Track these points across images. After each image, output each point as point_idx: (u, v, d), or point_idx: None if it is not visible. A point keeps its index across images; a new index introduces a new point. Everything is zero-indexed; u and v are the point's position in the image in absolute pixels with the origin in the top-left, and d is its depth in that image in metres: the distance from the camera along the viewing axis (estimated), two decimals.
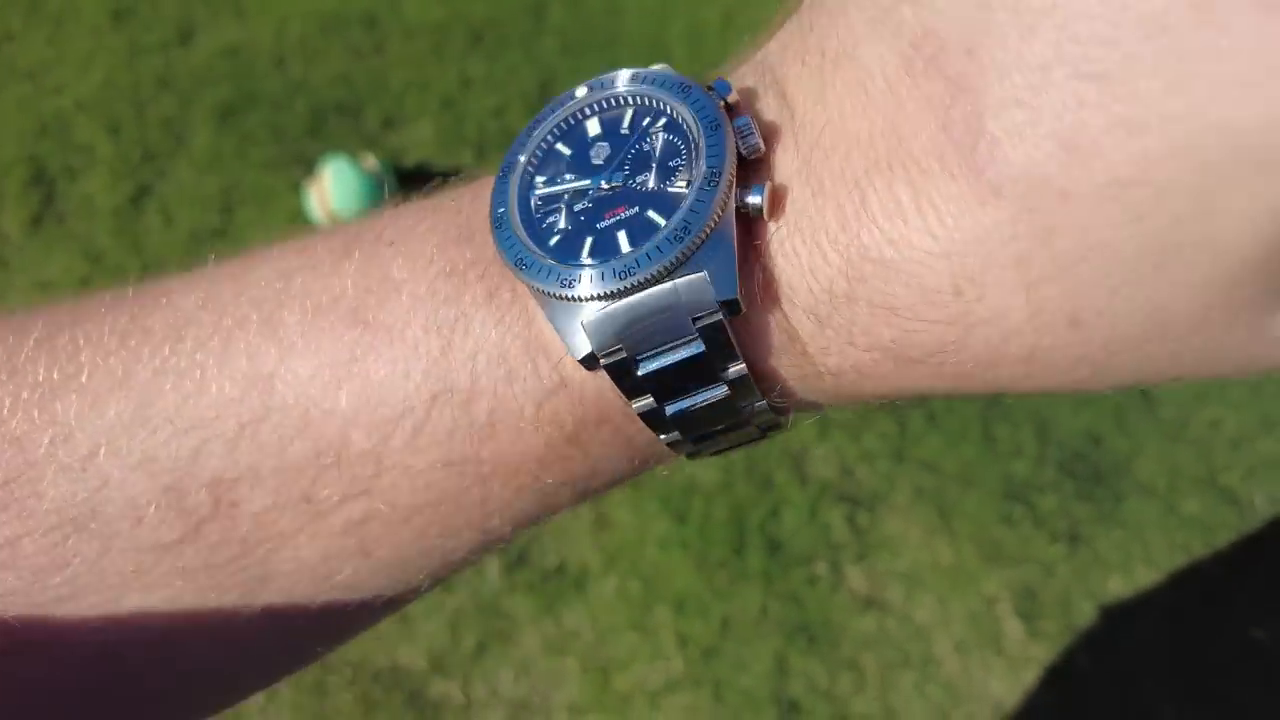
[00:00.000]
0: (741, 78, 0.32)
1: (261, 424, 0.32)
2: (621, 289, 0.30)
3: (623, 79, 0.33)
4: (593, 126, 0.33)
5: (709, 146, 0.30)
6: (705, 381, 0.31)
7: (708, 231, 0.29)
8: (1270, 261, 0.24)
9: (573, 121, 0.34)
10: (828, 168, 0.28)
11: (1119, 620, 1.67)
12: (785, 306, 0.30)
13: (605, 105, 0.34)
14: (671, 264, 0.29)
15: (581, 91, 0.34)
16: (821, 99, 0.29)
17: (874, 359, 0.29)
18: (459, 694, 1.59)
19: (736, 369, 0.31)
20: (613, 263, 0.30)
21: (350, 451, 0.32)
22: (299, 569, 0.34)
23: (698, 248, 0.29)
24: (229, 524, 0.33)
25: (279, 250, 0.35)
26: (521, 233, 0.32)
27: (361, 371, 0.32)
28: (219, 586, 0.34)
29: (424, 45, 2.39)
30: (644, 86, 0.33)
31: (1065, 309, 0.26)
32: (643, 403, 0.31)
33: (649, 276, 0.29)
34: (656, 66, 0.34)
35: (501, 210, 0.32)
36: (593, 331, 0.30)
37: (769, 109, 0.30)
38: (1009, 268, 0.26)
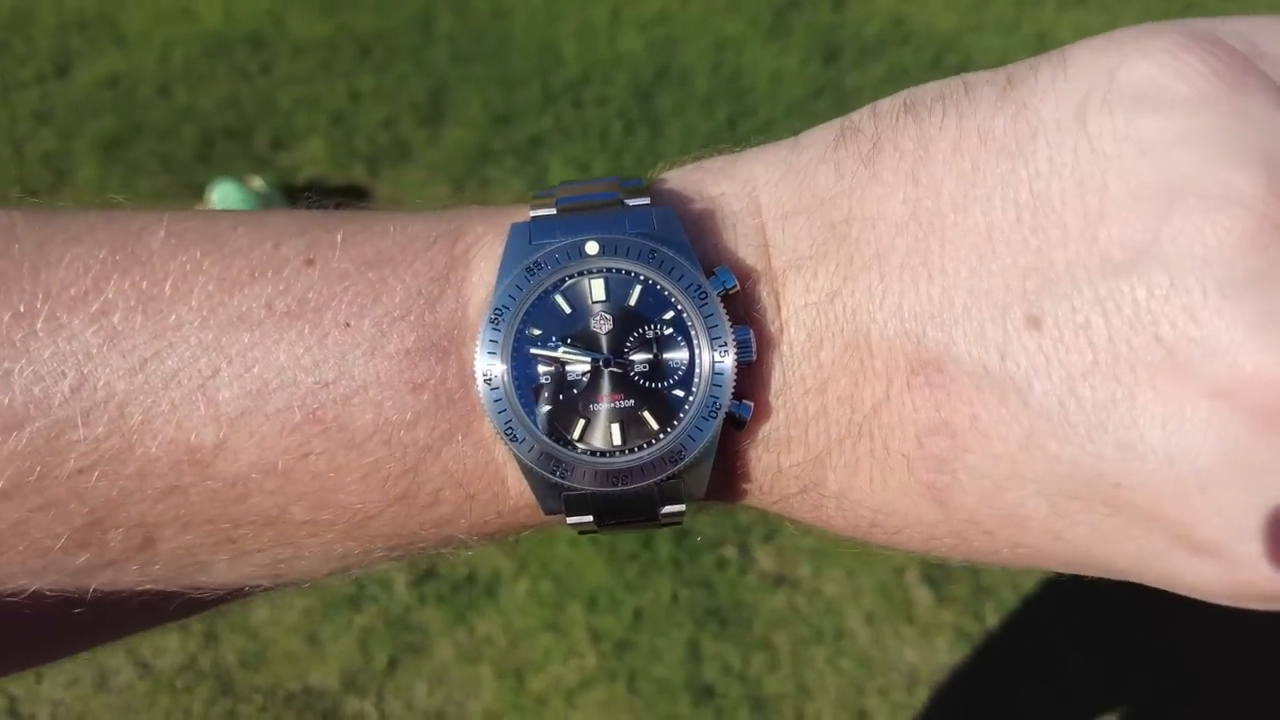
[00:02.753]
0: (745, 240, 0.33)
1: (193, 488, 0.31)
2: (608, 489, 0.32)
3: (635, 250, 0.33)
4: (597, 289, 0.33)
5: (714, 374, 0.32)
6: (646, 519, 0.34)
7: (699, 454, 0.32)
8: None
9: (577, 276, 0.33)
10: (805, 409, 0.32)
11: (1025, 579, 1.69)
12: (738, 485, 0.34)
13: (614, 271, 0.33)
14: (661, 479, 0.32)
15: (592, 248, 0.33)
16: (817, 340, 0.32)
17: (796, 516, 0.35)
18: (373, 711, 1.57)
19: (675, 508, 0.34)
20: (605, 463, 0.32)
21: (288, 519, 0.32)
22: (208, 581, 0.34)
23: (687, 469, 0.32)
24: (144, 557, 0.32)
25: (197, 264, 0.32)
26: (513, 399, 0.32)
27: (312, 469, 0.31)
28: (121, 585, 0.33)
29: (312, 62, 2.36)
30: (656, 270, 0.33)
31: (956, 552, 0.34)
32: (582, 520, 0.34)
33: (636, 484, 0.32)
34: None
35: (491, 365, 0.32)
36: (569, 504, 0.33)
37: (765, 312, 0.32)
38: (921, 537, 0.33)
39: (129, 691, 1.59)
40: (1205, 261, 0.27)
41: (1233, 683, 1.60)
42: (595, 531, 0.34)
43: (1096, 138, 0.29)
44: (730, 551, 1.69)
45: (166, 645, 1.63)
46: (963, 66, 2.43)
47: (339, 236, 0.33)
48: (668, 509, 0.33)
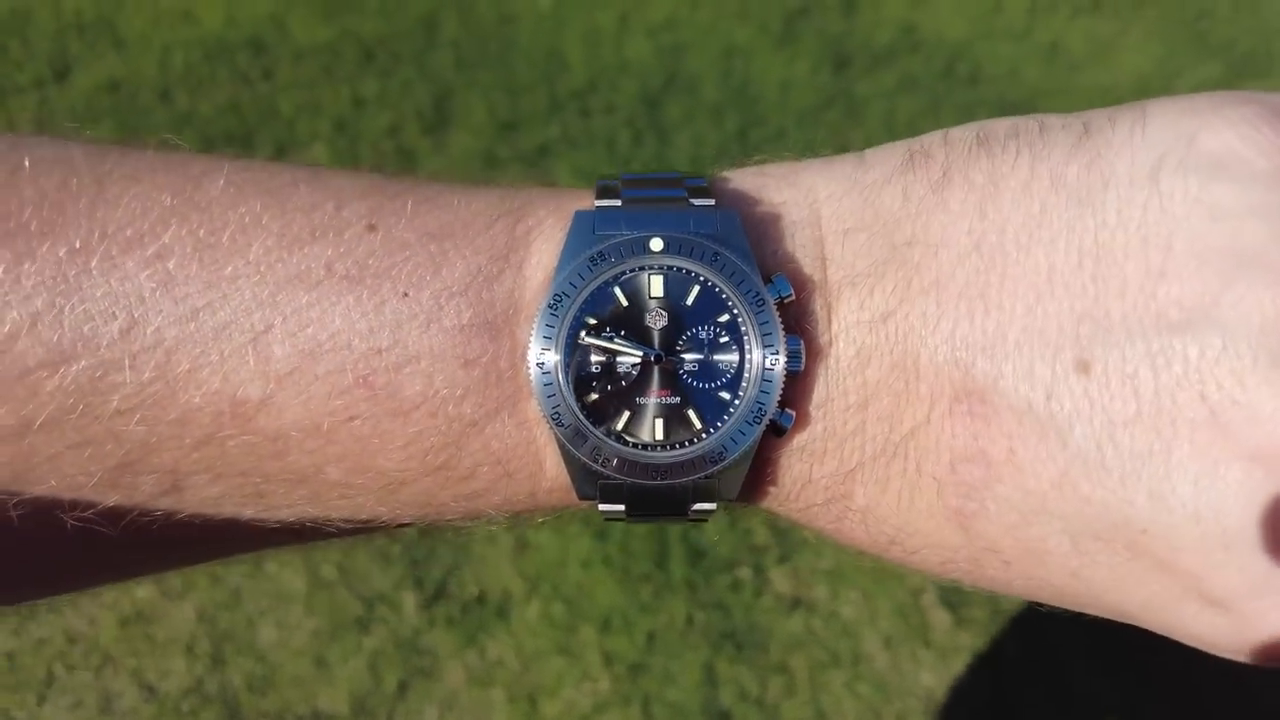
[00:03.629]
0: (805, 251, 0.33)
1: (231, 440, 0.31)
2: (645, 482, 0.33)
3: (698, 252, 0.33)
4: (656, 285, 0.34)
5: (763, 381, 0.32)
6: (676, 513, 0.35)
7: (738, 458, 0.33)
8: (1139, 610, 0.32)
9: (638, 271, 0.34)
10: (845, 423, 0.32)
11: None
12: (766, 488, 0.34)
13: (674, 270, 0.34)
14: (698, 478, 0.33)
15: (657, 245, 0.34)
16: (865, 357, 0.32)
17: (817, 525, 0.35)
18: None
19: (707, 508, 0.34)
20: (645, 457, 0.33)
21: (321, 479, 0.32)
22: (233, 533, 0.34)
23: (724, 471, 0.33)
24: (172, 503, 0.32)
25: (256, 217, 0.32)
26: (562, 386, 0.32)
27: (356, 432, 0.31)
28: (146, 527, 0.33)
29: (314, 67, 2.33)
30: (717, 273, 0.33)
31: (970, 578, 0.34)
32: (613, 509, 0.34)
33: (674, 480, 0.33)
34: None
35: (544, 350, 0.32)
36: (605, 493, 0.33)
37: (816, 323, 0.33)
38: (938, 560, 0.34)
39: (134, 716, 1.56)
40: (1262, 331, 0.27)
41: (1252, 715, 1.58)
42: (623, 519, 0.34)
43: (1168, 197, 0.29)
44: (745, 573, 1.66)
45: (172, 668, 1.60)
46: (974, 75, 2.40)
47: (407, 204, 0.33)
48: (698, 506, 0.34)
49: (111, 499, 0.32)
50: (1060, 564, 0.31)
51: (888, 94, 2.25)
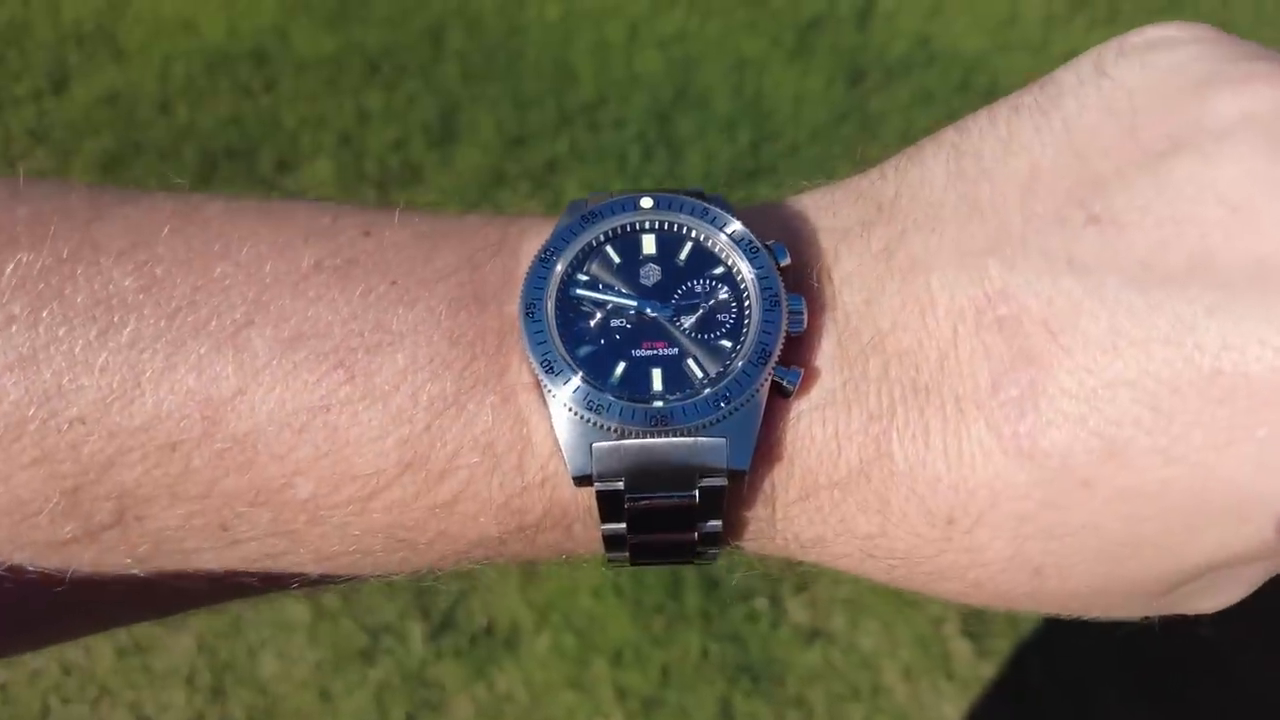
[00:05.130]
0: (796, 231, 0.33)
1: (196, 450, 0.30)
2: (644, 431, 0.30)
3: (689, 207, 0.33)
4: (648, 244, 0.33)
5: (764, 322, 0.31)
6: (681, 528, 0.32)
7: (743, 404, 0.30)
8: (1204, 571, 0.29)
9: (629, 229, 0.33)
10: (864, 370, 0.30)
11: (1068, 629, 1.63)
12: (779, 478, 0.31)
13: (666, 227, 0.33)
14: (701, 426, 0.30)
15: (647, 203, 0.33)
16: (874, 299, 0.31)
17: (838, 543, 0.32)
18: None
19: (713, 524, 0.32)
20: (644, 404, 0.31)
21: (289, 498, 0.31)
22: (195, 572, 0.33)
23: (729, 416, 0.30)
24: (130, 535, 0.31)
25: (252, 228, 0.31)
26: (554, 333, 0.31)
27: (331, 424, 0.30)
28: (105, 567, 0.32)
29: (317, 79, 2.28)
30: (709, 226, 0.33)
31: (1036, 561, 0.30)
32: (614, 527, 0.32)
33: (675, 430, 0.30)
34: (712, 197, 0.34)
35: (536, 300, 0.31)
36: (600, 458, 0.30)
37: (819, 284, 0.32)
38: (1009, 518, 0.29)
39: None
40: (1247, 124, 0.27)
41: None
42: (623, 500, 0.31)
43: (1117, 77, 0.30)
44: (762, 604, 1.62)
45: (171, 700, 1.56)
46: (991, 88, 2.36)
47: (396, 215, 0.33)
48: (706, 482, 0.31)
49: (66, 528, 0.30)
50: (1148, 445, 0.27)
51: (903, 108, 2.21)
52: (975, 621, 1.62)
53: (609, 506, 0.31)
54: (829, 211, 0.33)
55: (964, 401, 0.29)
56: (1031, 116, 0.31)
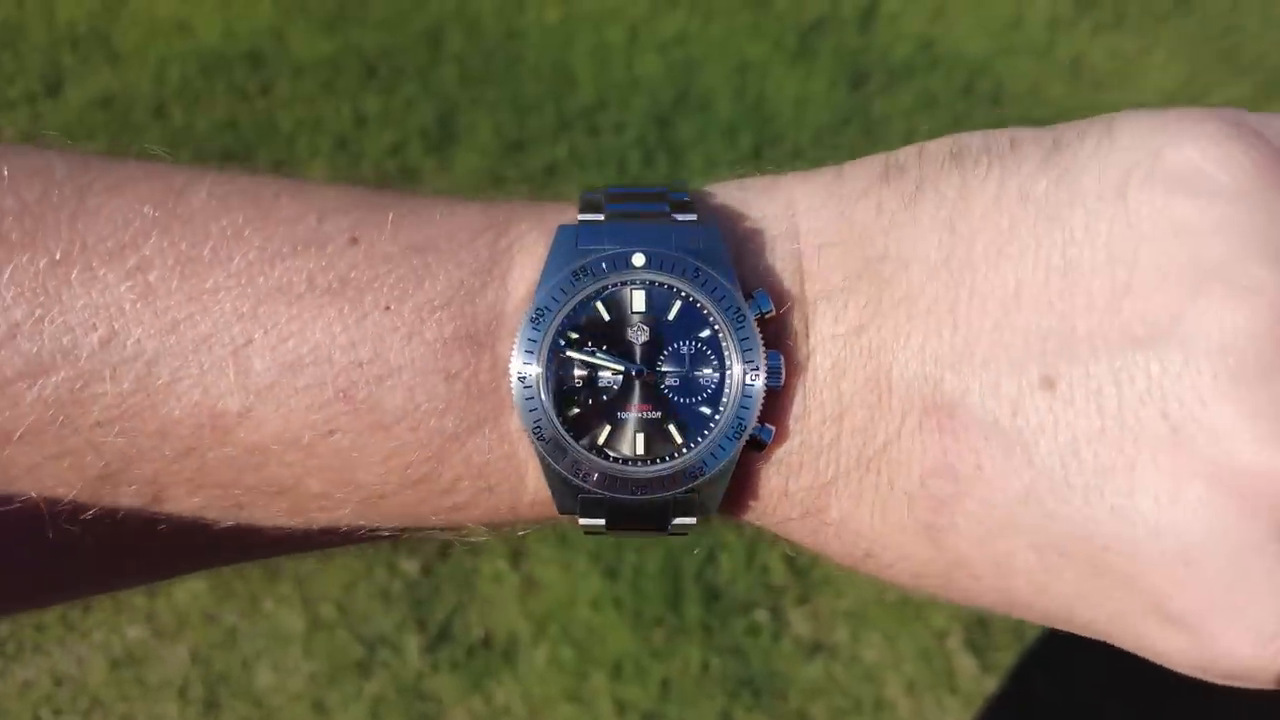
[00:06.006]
0: (780, 274, 0.34)
1: (210, 453, 0.31)
2: (625, 497, 0.33)
3: (680, 266, 0.34)
4: (638, 300, 0.34)
5: (743, 396, 0.33)
6: (656, 528, 0.35)
7: (717, 475, 0.33)
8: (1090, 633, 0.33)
9: (620, 286, 0.34)
10: (820, 437, 0.33)
11: (1073, 643, 1.61)
12: (746, 502, 0.35)
13: (656, 285, 0.34)
14: (678, 492, 0.33)
15: (639, 260, 0.34)
16: (841, 372, 0.32)
17: (794, 538, 0.36)
18: None
19: (687, 522, 0.35)
20: (626, 471, 0.33)
21: (302, 490, 0.33)
22: (211, 543, 0.34)
23: (704, 483, 0.33)
24: (150, 512, 0.33)
25: (239, 230, 0.32)
26: (543, 399, 0.32)
27: (335, 445, 0.32)
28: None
29: (314, 82, 2.26)
30: (699, 289, 0.33)
31: (934, 585, 0.34)
32: (593, 523, 0.34)
33: (653, 494, 0.33)
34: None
35: (526, 363, 0.32)
36: (584, 509, 0.34)
37: (795, 338, 0.33)
38: (911, 569, 0.34)
39: None
40: (1221, 348, 0.28)
41: None
42: (603, 533, 0.35)
43: (1134, 213, 0.30)
44: (763, 616, 1.60)
45: (164, 713, 1.54)
46: (995, 93, 2.34)
47: (388, 217, 0.33)
48: (679, 520, 0.34)
49: (91, 510, 0.32)
50: (1028, 579, 0.31)
51: (906, 112, 2.19)
52: (980, 634, 1.60)
53: (590, 523, 0.35)
54: (819, 253, 0.34)
55: (895, 482, 0.32)
56: (1037, 220, 0.31)
